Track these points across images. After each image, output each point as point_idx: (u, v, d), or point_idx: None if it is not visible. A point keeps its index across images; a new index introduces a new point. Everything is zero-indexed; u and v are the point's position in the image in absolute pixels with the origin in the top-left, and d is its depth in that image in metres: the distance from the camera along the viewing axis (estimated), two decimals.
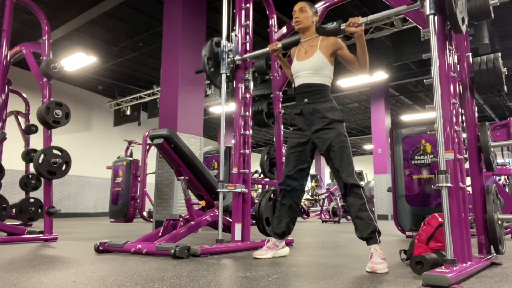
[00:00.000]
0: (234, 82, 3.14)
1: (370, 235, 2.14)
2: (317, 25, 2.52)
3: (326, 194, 8.99)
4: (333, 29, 2.43)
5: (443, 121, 1.91)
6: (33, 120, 5.05)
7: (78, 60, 8.35)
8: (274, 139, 3.38)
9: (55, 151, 3.56)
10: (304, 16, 2.49)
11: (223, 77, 3.03)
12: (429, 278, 1.61)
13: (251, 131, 3.11)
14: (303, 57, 2.48)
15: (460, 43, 2.47)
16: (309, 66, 2.43)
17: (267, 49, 2.82)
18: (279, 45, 2.72)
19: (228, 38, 3.10)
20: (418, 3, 2.05)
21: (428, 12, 1.94)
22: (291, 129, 2.54)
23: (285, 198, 2.51)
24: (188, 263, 2.18)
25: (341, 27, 2.39)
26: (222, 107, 3.02)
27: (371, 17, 2.31)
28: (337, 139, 2.30)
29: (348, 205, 2.26)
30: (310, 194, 11.30)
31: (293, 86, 2.60)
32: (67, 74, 9.44)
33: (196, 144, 5.23)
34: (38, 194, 4.82)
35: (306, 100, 2.42)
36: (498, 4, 2.23)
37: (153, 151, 7.15)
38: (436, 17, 1.96)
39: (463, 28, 2.01)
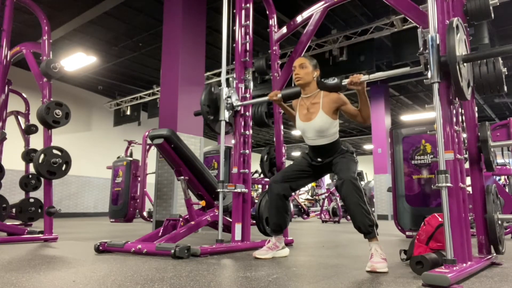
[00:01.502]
0: (234, 127, 3.11)
1: (368, 229, 2.13)
2: (318, 79, 2.50)
3: (326, 194, 8.99)
4: (335, 85, 2.40)
5: (443, 121, 1.91)
6: (33, 120, 5.05)
7: (78, 60, 8.34)
8: (274, 139, 3.38)
9: (55, 151, 3.56)
10: (305, 72, 2.48)
11: (223, 124, 2.97)
12: (429, 278, 1.61)
13: (251, 131, 3.11)
14: (306, 116, 2.47)
15: None
16: (314, 129, 2.43)
17: (267, 98, 2.81)
18: (279, 95, 2.71)
19: (228, 84, 3.04)
20: (421, 66, 2.01)
21: (432, 81, 1.91)
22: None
23: (272, 190, 2.52)
24: (188, 263, 2.18)
25: (343, 83, 2.36)
26: (222, 126, 3.01)
27: (372, 76, 2.27)
28: (345, 158, 2.42)
29: (346, 197, 2.19)
30: (310, 194, 11.30)
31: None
32: (67, 74, 9.44)
33: (196, 144, 5.23)
34: (38, 194, 4.82)
35: (319, 159, 2.50)
36: (498, 4, 2.23)
37: (153, 151, 7.16)
38: (441, 84, 1.93)
39: (469, 93, 2.00)
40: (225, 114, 2.96)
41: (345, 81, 2.32)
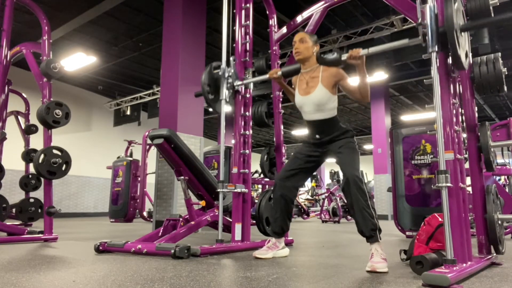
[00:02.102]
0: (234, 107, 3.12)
1: (372, 233, 2.13)
2: (317, 54, 2.49)
3: (326, 194, 8.99)
4: (334, 59, 2.40)
5: (443, 121, 1.91)
6: (33, 120, 5.05)
7: (78, 60, 8.35)
8: (274, 139, 3.38)
9: (55, 151, 3.56)
10: (304, 46, 2.47)
11: (223, 103, 2.99)
12: (429, 278, 1.61)
13: (251, 131, 3.11)
14: (305, 91, 2.46)
15: None
16: (313, 102, 2.41)
17: (267, 76, 2.82)
18: (279, 72, 2.71)
19: (228, 63, 3.05)
20: (420, 38, 2.02)
21: (430, 50, 1.93)
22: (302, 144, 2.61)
23: (277, 192, 2.52)
24: (188, 263, 2.18)
25: (342, 58, 2.36)
26: (222, 119, 3.02)
27: (372, 50, 2.28)
28: (347, 143, 2.39)
29: (351, 200, 2.19)
30: (310, 194, 11.30)
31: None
32: (67, 74, 9.44)
33: (196, 144, 5.23)
34: (38, 194, 4.82)
35: (317, 136, 2.47)
36: (498, 4, 2.23)
37: (153, 151, 7.16)
38: (438, 54, 1.95)
39: (466, 63, 2.01)
40: (225, 94, 2.98)
41: (345, 56, 2.32)
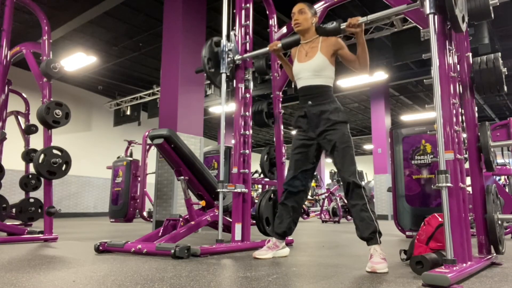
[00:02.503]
0: (234, 81, 3.14)
1: (370, 236, 2.14)
2: (316, 25, 2.51)
3: (326, 194, 8.99)
4: (333, 29, 2.42)
5: (443, 121, 1.91)
6: (33, 120, 5.05)
7: (78, 60, 8.35)
8: (274, 139, 3.38)
9: (55, 151, 3.56)
10: (304, 17, 2.48)
11: (223, 76, 3.03)
12: (429, 278, 1.61)
13: (251, 131, 3.11)
14: (304, 58, 2.48)
15: (460, 43, 2.47)
16: (311, 68, 2.42)
17: (267, 48, 2.82)
18: (279, 44, 2.71)
19: (228, 38, 3.09)
20: (418, 2, 2.05)
21: (428, 11, 1.95)
22: (296, 131, 2.54)
23: (288, 199, 2.50)
24: (188, 263, 2.18)
25: (341, 27, 2.38)
26: (222, 107, 3.02)
27: (370, 17, 2.30)
28: (340, 140, 2.31)
29: (350, 205, 2.26)
30: (310, 194, 11.30)
31: (293, 86, 2.61)
32: (67, 74, 9.43)
33: (196, 144, 5.23)
34: (38, 194, 4.82)
35: (310, 102, 2.42)
36: (498, 4, 2.23)
37: (153, 151, 7.15)
38: (436, 16, 1.96)
39: (463, 27, 2.01)
40: (225, 67, 3.02)
41: (344, 24, 2.33)
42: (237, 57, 3.07)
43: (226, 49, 3.05)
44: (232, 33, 3.10)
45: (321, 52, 2.41)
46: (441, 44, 1.99)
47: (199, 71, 3.16)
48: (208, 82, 8.15)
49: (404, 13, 2.43)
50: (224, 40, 3.06)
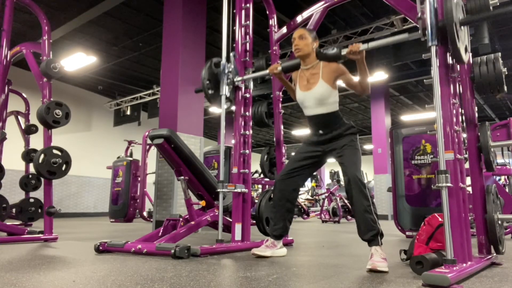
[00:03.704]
0: (234, 103, 3.13)
1: (371, 238, 2.14)
2: (317, 50, 2.50)
3: (326, 194, 8.99)
4: (334, 55, 2.40)
5: (443, 121, 1.91)
6: (33, 120, 5.05)
7: (78, 60, 8.34)
8: (274, 139, 3.38)
9: (55, 151, 3.56)
10: (304, 43, 2.47)
11: (223, 98, 3.00)
12: (429, 278, 1.61)
13: (251, 131, 3.11)
14: (306, 86, 2.47)
15: None
16: (315, 97, 2.42)
17: (267, 71, 2.82)
18: (279, 68, 2.71)
19: (228, 59, 3.06)
20: (420, 32, 2.03)
21: (430, 43, 1.94)
22: (304, 144, 2.60)
23: (281, 200, 2.52)
24: (188, 263, 2.18)
25: (342, 53, 2.36)
26: (222, 108, 3.02)
27: (372, 44, 2.29)
28: (349, 142, 2.39)
29: (353, 203, 2.21)
30: (310, 194, 11.30)
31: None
32: (67, 74, 9.43)
33: (196, 144, 5.23)
34: (38, 194, 4.82)
35: (320, 132, 2.47)
36: (498, 4, 2.23)
37: (153, 151, 7.15)
38: (438, 47, 1.95)
39: (466, 57, 2.01)
40: (225, 89, 2.99)
41: (345, 51, 2.33)
42: (237, 78, 3.05)
43: (226, 71, 3.02)
44: (231, 54, 3.08)
45: (323, 79, 2.40)
46: (443, 75, 1.97)
47: (199, 91, 3.14)
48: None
49: (404, 13, 2.43)
50: (223, 61, 3.03)
